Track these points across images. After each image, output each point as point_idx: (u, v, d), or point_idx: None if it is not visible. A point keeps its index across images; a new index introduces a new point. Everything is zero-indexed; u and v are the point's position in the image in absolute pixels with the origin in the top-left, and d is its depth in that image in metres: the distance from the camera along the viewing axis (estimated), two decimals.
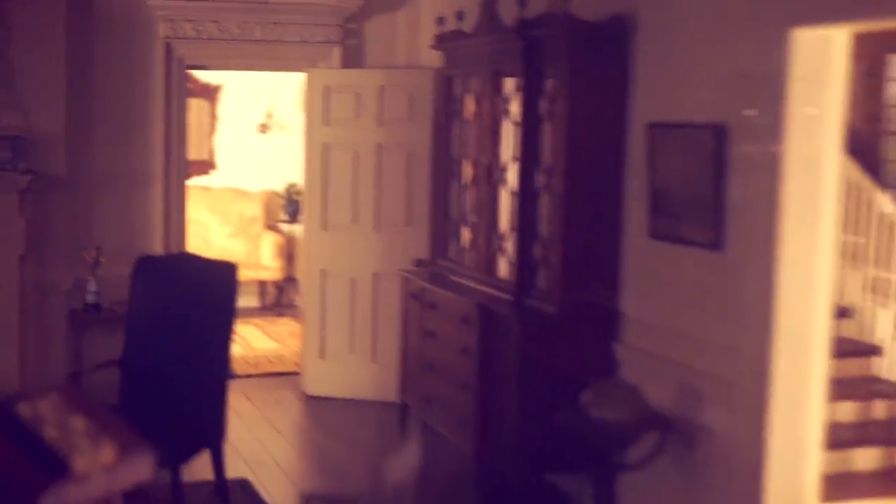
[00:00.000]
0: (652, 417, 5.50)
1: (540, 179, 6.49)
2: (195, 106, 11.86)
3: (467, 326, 6.66)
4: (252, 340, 10.83)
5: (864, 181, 7.55)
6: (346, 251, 8.82)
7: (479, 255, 7.14)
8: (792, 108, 5.09)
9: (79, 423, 4.06)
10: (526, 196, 6.55)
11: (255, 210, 12.87)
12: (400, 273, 8.03)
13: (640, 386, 5.63)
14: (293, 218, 12.71)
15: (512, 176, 6.74)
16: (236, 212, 12.78)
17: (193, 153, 10.86)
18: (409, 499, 4.00)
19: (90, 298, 8.19)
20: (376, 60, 9.14)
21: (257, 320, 11.72)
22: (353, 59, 9.12)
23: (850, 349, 6.95)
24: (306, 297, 9.15)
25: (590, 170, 6.24)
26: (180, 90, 8.79)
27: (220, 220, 12.64)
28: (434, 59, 8.29)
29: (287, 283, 12.73)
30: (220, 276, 6.25)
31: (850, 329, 7.23)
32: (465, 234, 7.35)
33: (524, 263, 6.55)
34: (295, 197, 12.68)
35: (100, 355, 7.26)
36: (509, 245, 6.77)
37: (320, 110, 8.82)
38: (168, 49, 8.63)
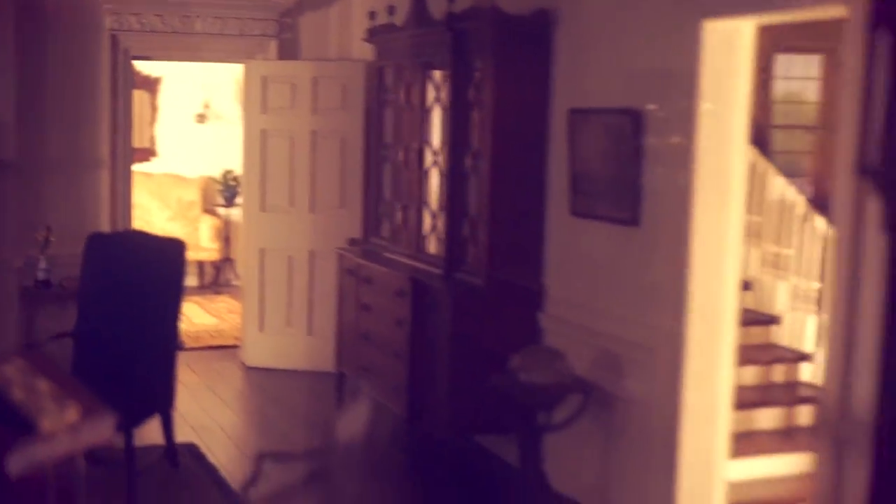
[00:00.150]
0: (575, 381, 5.52)
1: (468, 162, 6.48)
2: (137, 97, 11.59)
3: (401, 299, 6.63)
4: (193, 317, 10.70)
5: (763, 166, 7.64)
6: (283, 231, 8.76)
7: (410, 233, 7.12)
8: (703, 95, 5.12)
9: (43, 385, 3.98)
10: (455, 178, 6.54)
11: (194, 195, 12.73)
12: (336, 251, 7.98)
13: (563, 352, 5.65)
14: (229, 202, 12.64)
15: (442, 159, 6.73)
16: (175, 196, 12.63)
17: (135, 141, 10.65)
18: (356, 456, 3.96)
19: (41, 276, 8.02)
20: (310, 53, 9.08)
21: (197, 298, 11.58)
22: (288, 51, 9.06)
23: (752, 319, 7.03)
24: (246, 274, 9.07)
25: (515, 153, 6.25)
26: (126, 80, 8.68)
27: (161, 204, 12.48)
28: (365, 51, 8.25)
29: (224, 264, 12.65)
30: (169, 252, 6.18)
31: (751, 300, 7.32)
32: (399, 214, 7.33)
33: (454, 240, 6.54)
34: (231, 182, 12.60)
35: (51, 329, 7.10)
36: (440, 223, 6.75)
37: (258, 99, 8.74)
38: (114, 41, 8.52)
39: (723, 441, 5.29)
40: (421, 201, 6.99)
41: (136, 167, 11.65)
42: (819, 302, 7.12)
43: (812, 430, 6.43)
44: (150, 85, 12.57)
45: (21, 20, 7.95)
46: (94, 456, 5.29)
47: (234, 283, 12.43)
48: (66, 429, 3.88)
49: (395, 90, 7.42)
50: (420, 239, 6.98)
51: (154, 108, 12.79)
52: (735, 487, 5.43)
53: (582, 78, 5.99)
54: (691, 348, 5.20)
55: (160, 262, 6.12)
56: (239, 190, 12.34)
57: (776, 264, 7.45)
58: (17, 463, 3.68)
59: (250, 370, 8.80)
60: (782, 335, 7.20)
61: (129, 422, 5.61)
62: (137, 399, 5.76)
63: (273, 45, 9.00)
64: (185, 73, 12.46)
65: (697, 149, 5.13)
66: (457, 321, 6.20)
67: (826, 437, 4.18)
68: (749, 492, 5.75)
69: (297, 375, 8.57)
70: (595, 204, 5.82)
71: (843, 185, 4.21)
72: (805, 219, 7.34)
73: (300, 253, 8.74)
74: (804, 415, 6.63)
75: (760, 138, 8.49)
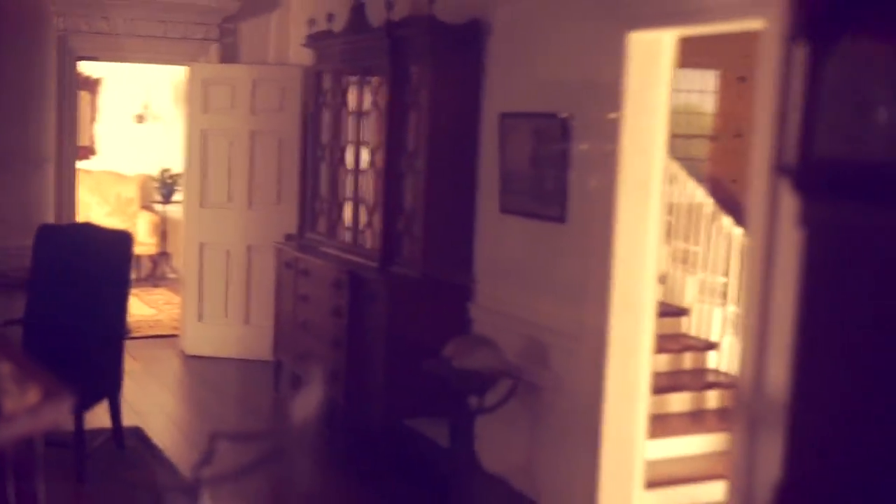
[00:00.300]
0: (506, 367, 5.54)
1: (404, 162, 6.48)
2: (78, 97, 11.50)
3: (339, 290, 6.61)
4: (132, 308, 10.45)
5: (673, 169, 7.73)
6: (222, 226, 8.67)
7: (347, 228, 7.10)
8: (627, 102, 5.19)
9: (4, 367, 3.91)
10: (391, 176, 6.53)
11: (132, 192, 12.54)
12: (274, 245, 7.92)
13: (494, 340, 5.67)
14: (166, 199, 12.49)
15: (378, 159, 6.71)
16: (114, 193, 12.44)
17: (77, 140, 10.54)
18: (308, 435, 3.93)
19: None
20: (249, 57, 9.00)
21: (135, 290, 11.26)
22: (228, 55, 8.97)
23: (664, 310, 7.10)
24: (186, 267, 8.96)
25: (449, 153, 6.27)
26: (72, 80, 8.52)
27: (100, 200, 12.27)
28: (301, 56, 8.22)
29: (160, 258, 12.48)
30: (118, 244, 6.10)
31: (662, 293, 7.40)
32: (335, 211, 7.29)
33: (390, 235, 6.53)
34: (168, 180, 12.46)
35: None
36: (375, 220, 6.73)
37: (200, 100, 8.64)
38: (61, 41, 8.34)
39: (642, 423, 5.36)
40: (357, 198, 6.97)
41: (77, 164, 11.47)
42: (725, 295, 7.24)
43: (728, 412, 6.54)
44: (91, 86, 12.36)
45: None
46: (44, 438, 5.18)
47: (171, 276, 12.28)
48: (27, 410, 3.81)
49: (333, 93, 7.39)
50: (356, 234, 6.96)
51: (94, 108, 12.59)
52: (651, 466, 5.50)
53: (512, 84, 6.03)
54: (614, 337, 5.26)
55: (109, 252, 6.03)
56: (176, 187, 12.22)
57: (685, 260, 7.56)
58: None
59: (189, 358, 8.69)
60: (691, 326, 7.31)
61: (80, 405, 5.51)
62: (87, 383, 5.65)
63: (214, 49, 8.90)
64: (125, 75, 12.32)
65: (621, 152, 5.18)
66: (392, 311, 6.21)
67: (742, 416, 4.26)
68: (663, 470, 5.82)
69: (234, 363, 8.48)
70: (524, 202, 5.85)
71: (760, 183, 4.30)
72: (713, 218, 7.45)
73: (238, 247, 8.66)
74: (712, 399, 6.73)
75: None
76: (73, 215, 8.60)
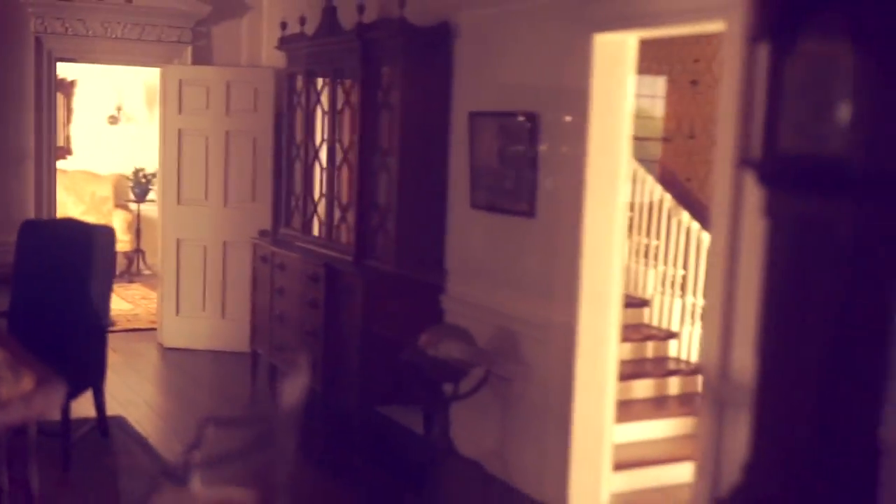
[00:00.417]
0: (479, 355, 5.60)
1: (377, 160, 6.52)
2: None
3: (315, 283, 6.65)
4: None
5: (634, 167, 7.82)
6: (198, 223, 8.67)
7: (322, 224, 7.14)
8: (593, 100, 5.25)
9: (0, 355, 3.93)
10: (365, 174, 6.57)
11: (107, 191, 12.52)
12: (251, 240, 7.94)
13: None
14: (140, 198, 12.43)
15: (352, 157, 6.75)
16: (89, 192, 12.40)
17: None
18: (294, 420, 3.99)
19: None
20: (222, 59, 8.99)
21: None
22: (202, 57, 8.96)
23: (627, 301, 7.18)
24: (163, 262, 8.94)
25: (421, 151, 6.31)
26: (49, 80, 8.48)
27: (76, 199, 12.23)
28: (273, 58, 8.24)
29: (136, 255, 12.43)
30: (101, 238, 6.09)
31: (624, 285, 7.49)
32: (310, 207, 7.33)
33: (364, 230, 6.57)
34: (142, 180, 12.41)
35: None
36: (349, 215, 6.77)
37: (175, 101, 8.63)
38: (38, 43, 8.31)
39: (610, 409, 5.44)
40: (332, 195, 7.01)
41: None
42: (684, 287, 7.34)
43: (689, 398, 6.65)
44: (66, 88, 12.28)
45: None
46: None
47: (146, 272, 12.24)
48: (21, 397, 3.83)
49: (306, 94, 7.42)
50: (331, 229, 7.00)
51: (69, 110, 12.52)
52: (617, 449, 5.58)
53: (481, 84, 6.07)
54: (582, 327, 5.33)
55: (93, 246, 6.02)
56: (150, 186, 12.18)
57: (646, 254, 7.66)
58: None
59: (167, 350, 8.68)
60: (652, 316, 7.41)
61: (66, 395, 5.51)
62: (73, 374, 5.64)
63: (188, 51, 8.89)
64: (99, 77, 12.29)
65: (588, 150, 5.24)
66: (367, 303, 6.24)
67: (709, 400, 4.35)
68: (629, 453, 5.91)
69: (211, 355, 8.49)
70: (493, 198, 5.91)
71: (724, 177, 4.38)
72: (672, 214, 7.56)
73: (214, 243, 8.67)
74: (673, 385, 6.84)
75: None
76: (53, 212, 8.58)
